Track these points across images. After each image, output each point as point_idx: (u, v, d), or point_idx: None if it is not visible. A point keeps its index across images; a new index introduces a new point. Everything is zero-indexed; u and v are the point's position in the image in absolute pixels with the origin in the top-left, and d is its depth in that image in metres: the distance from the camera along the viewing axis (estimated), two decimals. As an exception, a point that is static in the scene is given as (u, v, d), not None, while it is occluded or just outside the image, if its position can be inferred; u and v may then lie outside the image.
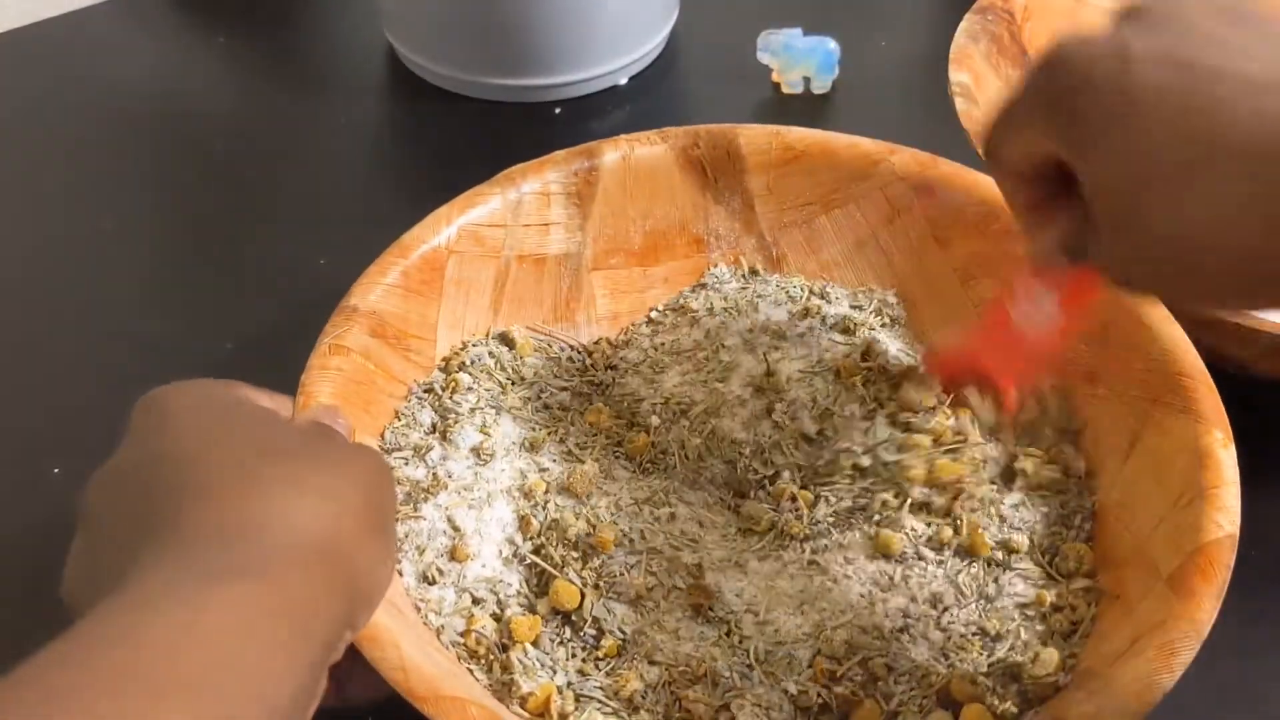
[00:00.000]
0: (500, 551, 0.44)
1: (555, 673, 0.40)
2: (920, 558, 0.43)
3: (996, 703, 0.38)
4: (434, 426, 0.47)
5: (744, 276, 0.53)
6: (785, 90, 0.70)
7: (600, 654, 0.41)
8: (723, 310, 0.51)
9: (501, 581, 0.43)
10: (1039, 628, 0.41)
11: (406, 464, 0.45)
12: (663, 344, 0.51)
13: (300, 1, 0.80)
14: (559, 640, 0.41)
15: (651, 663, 0.40)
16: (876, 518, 0.44)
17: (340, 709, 0.37)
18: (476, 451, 0.46)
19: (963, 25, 0.60)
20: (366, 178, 0.68)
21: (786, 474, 0.45)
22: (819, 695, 0.39)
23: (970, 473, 0.44)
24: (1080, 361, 0.46)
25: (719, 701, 0.39)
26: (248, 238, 0.63)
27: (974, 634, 0.41)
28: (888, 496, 0.44)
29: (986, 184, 0.50)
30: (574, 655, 0.41)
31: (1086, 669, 0.39)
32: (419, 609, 0.41)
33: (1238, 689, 0.44)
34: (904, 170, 0.51)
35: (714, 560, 0.43)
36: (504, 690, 0.39)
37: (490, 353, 0.49)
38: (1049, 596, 0.42)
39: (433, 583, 0.42)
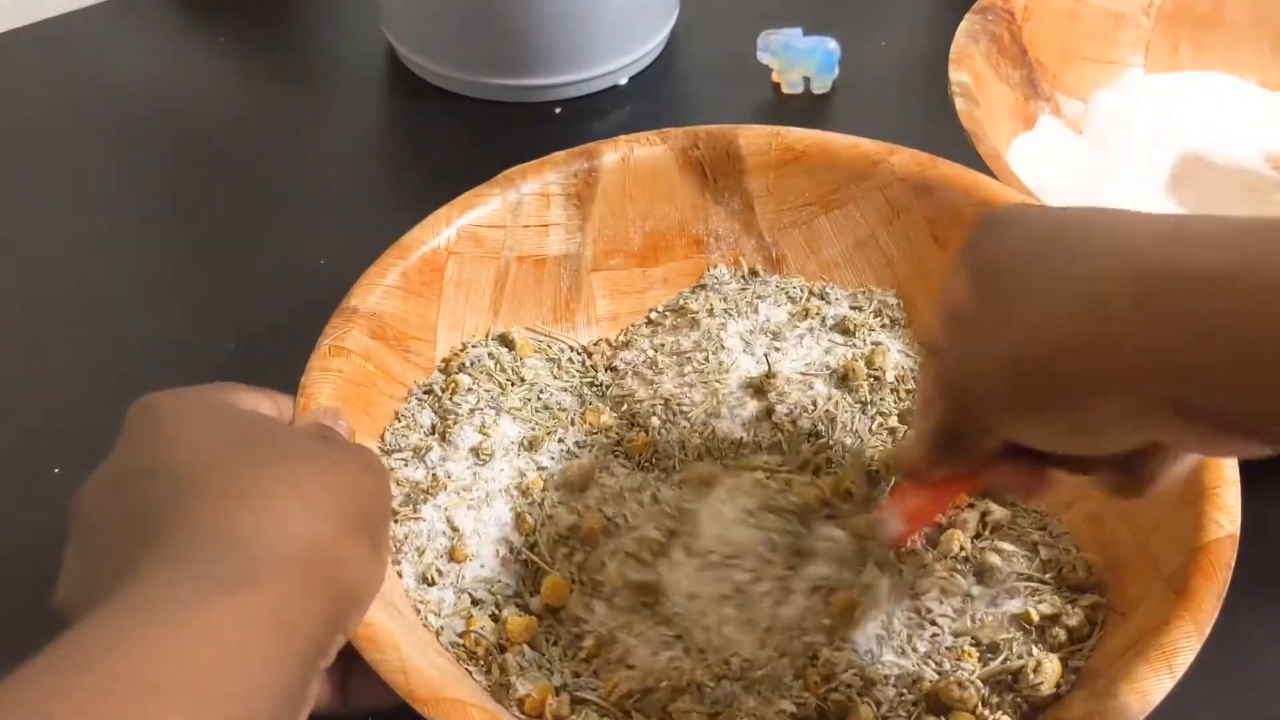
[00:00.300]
0: (498, 551, 0.44)
1: (552, 674, 0.40)
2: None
3: (988, 713, 0.38)
4: (433, 428, 0.47)
5: (744, 277, 0.53)
6: (785, 90, 0.70)
7: (583, 655, 0.41)
8: (722, 311, 0.51)
9: (499, 582, 0.43)
10: (1038, 642, 0.40)
11: (406, 465, 0.45)
12: (662, 345, 0.51)
13: (300, 1, 0.80)
14: (553, 640, 0.41)
15: (628, 667, 0.40)
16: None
17: (343, 714, 0.38)
18: (475, 452, 0.46)
19: (963, 25, 0.60)
20: (366, 178, 0.68)
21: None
22: (816, 705, 0.39)
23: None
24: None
25: (709, 710, 0.39)
26: (248, 238, 0.63)
27: (969, 644, 0.40)
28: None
29: (986, 184, 0.50)
30: (566, 656, 0.41)
31: (1087, 669, 0.39)
32: (418, 610, 0.41)
33: (1238, 689, 0.44)
34: (903, 171, 0.51)
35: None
36: (502, 692, 0.39)
37: (490, 354, 0.49)
38: (1050, 610, 0.41)
39: (432, 584, 0.42)
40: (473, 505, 0.44)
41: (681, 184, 0.53)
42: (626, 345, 0.52)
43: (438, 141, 0.68)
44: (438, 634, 0.41)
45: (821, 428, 0.46)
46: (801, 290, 0.52)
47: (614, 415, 0.49)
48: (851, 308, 0.52)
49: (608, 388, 0.50)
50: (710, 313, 0.51)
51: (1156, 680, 0.35)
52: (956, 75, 0.57)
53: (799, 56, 0.69)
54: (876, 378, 0.48)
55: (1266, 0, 0.66)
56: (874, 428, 0.47)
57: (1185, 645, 0.35)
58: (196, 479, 0.31)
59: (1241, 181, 0.61)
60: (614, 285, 0.53)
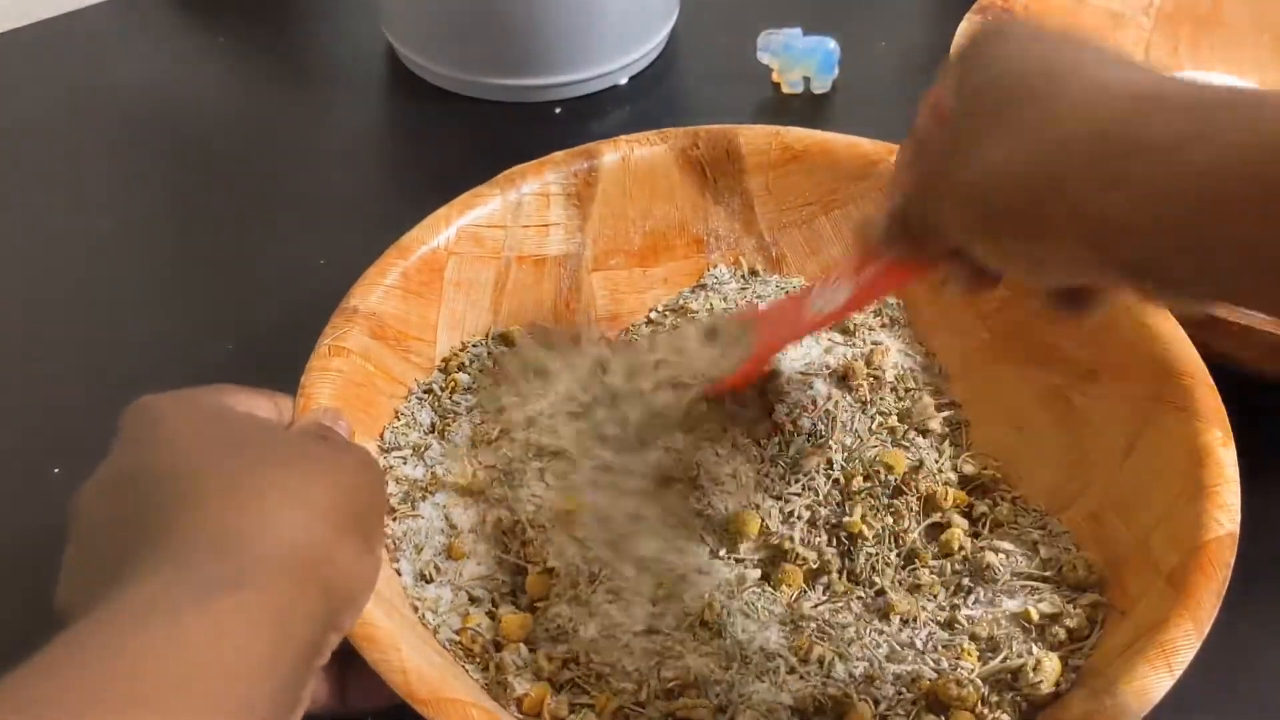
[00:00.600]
0: (492, 549, 0.44)
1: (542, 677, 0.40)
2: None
3: (987, 711, 0.38)
4: (433, 426, 0.47)
5: (744, 277, 0.53)
6: (785, 90, 0.70)
7: (565, 656, 0.40)
8: (723, 311, 0.51)
9: (495, 579, 0.43)
10: (1037, 640, 0.40)
11: (405, 463, 0.45)
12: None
13: (300, 2, 0.80)
14: (547, 636, 0.41)
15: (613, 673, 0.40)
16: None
17: (342, 714, 0.38)
18: (474, 449, 0.46)
19: (963, 25, 0.60)
20: (366, 178, 0.68)
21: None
22: (814, 699, 0.39)
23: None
24: (1080, 360, 0.46)
25: (715, 703, 0.39)
26: (248, 238, 0.63)
27: (968, 642, 0.40)
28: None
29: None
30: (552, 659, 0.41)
31: (1087, 667, 0.39)
32: (416, 608, 0.41)
33: (1237, 688, 0.44)
34: (903, 170, 0.51)
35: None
36: (499, 691, 0.39)
37: (490, 353, 0.49)
38: (1050, 609, 0.41)
39: (430, 581, 0.42)
40: (470, 503, 0.44)
41: (681, 184, 0.53)
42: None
43: (438, 141, 0.68)
44: (435, 631, 0.41)
45: (821, 427, 0.46)
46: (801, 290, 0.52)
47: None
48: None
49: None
50: (710, 312, 0.51)
51: (1156, 679, 0.35)
52: (956, 75, 0.57)
53: (799, 56, 0.69)
54: (876, 377, 0.48)
55: (1266, 1, 0.66)
56: (874, 427, 0.47)
57: (1185, 644, 0.35)
58: (191, 483, 0.32)
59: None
60: (614, 285, 0.53)
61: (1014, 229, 0.31)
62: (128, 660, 0.26)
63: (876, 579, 0.43)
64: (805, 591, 0.43)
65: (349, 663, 0.36)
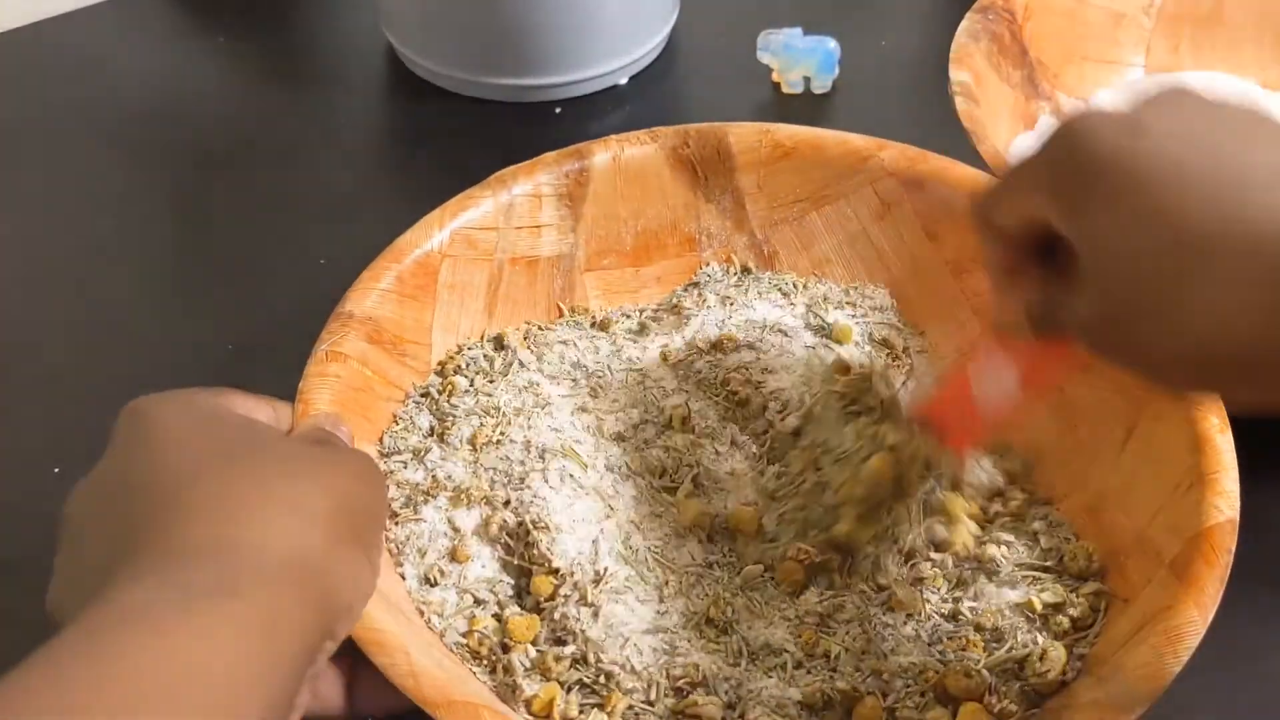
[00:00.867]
0: (495, 551, 0.44)
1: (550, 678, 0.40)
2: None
3: (995, 701, 0.38)
4: (432, 429, 0.47)
5: (736, 275, 0.53)
6: (785, 90, 0.70)
7: (573, 656, 0.40)
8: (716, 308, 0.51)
9: (500, 581, 0.43)
10: (1042, 630, 0.40)
11: (405, 467, 0.45)
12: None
13: (300, 1, 0.80)
14: (554, 636, 0.41)
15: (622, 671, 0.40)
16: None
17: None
18: (473, 449, 0.46)
19: (963, 24, 0.60)
20: (366, 178, 0.68)
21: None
22: (822, 694, 0.39)
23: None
24: (1075, 351, 0.46)
25: (725, 700, 0.39)
26: (248, 238, 0.63)
27: (974, 633, 0.40)
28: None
29: (975, 177, 0.50)
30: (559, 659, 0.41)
31: (1093, 655, 0.39)
32: (421, 612, 0.41)
33: (1239, 684, 0.44)
34: (893, 165, 0.51)
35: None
36: (508, 692, 0.39)
37: (485, 355, 0.49)
38: (1053, 598, 0.41)
39: (434, 584, 0.42)
40: (472, 505, 0.44)
41: (673, 182, 0.53)
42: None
43: (438, 141, 0.68)
44: (441, 635, 0.41)
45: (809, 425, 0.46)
46: (794, 286, 0.52)
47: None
48: (845, 303, 0.52)
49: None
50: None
51: (1162, 664, 0.35)
52: (957, 75, 0.57)
53: (799, 56, 0.69)
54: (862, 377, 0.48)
55: (1267, 0, 0.65)
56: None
57: (1190, 629, 0.35)
58: (182, 491, 0.31)
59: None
60: (607, 285, 0.53)
61: (1249, 376, 0.30)
62: (113, 667, 0.26)
63: (879, 577, 0.43)
64: (808, 587, 0.43)
65: (358, 667, 0.36)
